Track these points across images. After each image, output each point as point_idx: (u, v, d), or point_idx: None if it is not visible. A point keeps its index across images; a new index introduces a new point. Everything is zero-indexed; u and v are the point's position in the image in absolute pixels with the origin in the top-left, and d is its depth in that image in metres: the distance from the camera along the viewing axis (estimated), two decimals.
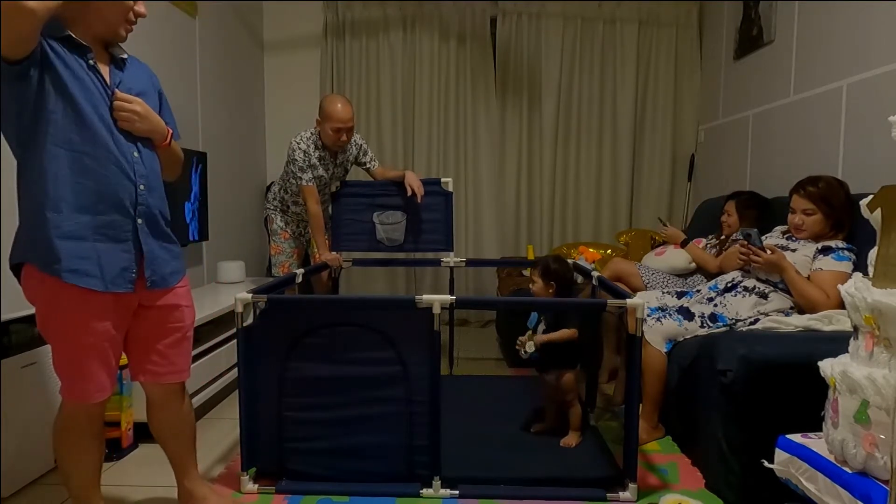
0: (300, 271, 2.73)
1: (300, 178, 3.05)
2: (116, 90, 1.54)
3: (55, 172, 1.45)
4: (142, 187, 1.57)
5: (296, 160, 3.05)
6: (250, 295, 2.02)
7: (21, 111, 1.43)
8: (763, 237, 2.51)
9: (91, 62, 1.50)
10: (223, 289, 3.48)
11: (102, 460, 1.73)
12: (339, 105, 2.99)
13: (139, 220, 1.58)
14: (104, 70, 1.54)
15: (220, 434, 2.57)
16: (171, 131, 1.68)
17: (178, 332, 1.74)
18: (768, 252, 2.29)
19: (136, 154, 1.56)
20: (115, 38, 1.58)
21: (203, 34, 3.67)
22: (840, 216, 2.34)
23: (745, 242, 2.37)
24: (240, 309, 2.00)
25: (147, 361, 1.71)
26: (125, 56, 1.62)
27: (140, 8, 1.57)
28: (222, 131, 3.97)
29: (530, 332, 2.31)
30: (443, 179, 3.36)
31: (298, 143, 3.06)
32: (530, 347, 2.24)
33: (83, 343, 1.54)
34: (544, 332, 2.27)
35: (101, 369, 1.58)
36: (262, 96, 4.68)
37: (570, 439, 2.30)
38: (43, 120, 1.44)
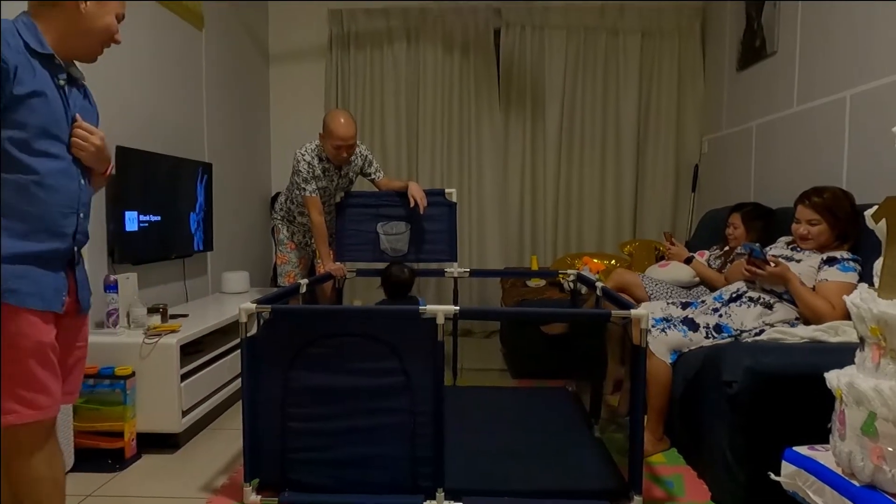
0: (304, 281, 2.74)
1: (303, 189, 3.07)
2: (77, 115, 1.46)
3: (5, 199, 1.35)
4: (82, 216, 1.49)
5: (300, 171, 3.07)
6: (254, 305, 2.03)
7: None
8: (767, 248, 2.50)
9: (62, 82, 1.42)
10: (227, 299, 3.49)
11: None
12: (342, 121, 3.00)
13: (75, 248, 1.50)
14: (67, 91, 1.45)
15: (224, 444, 2.56)
16: (111, 163, 1.59)
17: (80, 352, 1.60)
18: (772, 265, 2.29)
19: (82, 181, 1.49)
20: (89, 61, 1.52)
21: (209, 46, 3.70)
22: (845, 227, 2.33)
23: (749, 258, 2.36)
24: (244, 319, 2.01)
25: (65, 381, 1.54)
26: (79, 77, 1.52)
27: (118, 37, 1.52)
28: (227, 142, 3.99)
29: None
30: (446, 190, 3.37)
31: (303, 155, 3.08)
32: None
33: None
34: None
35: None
36: (267, 107, 4.71)
37: None
38: (2, 140, 1.33)
